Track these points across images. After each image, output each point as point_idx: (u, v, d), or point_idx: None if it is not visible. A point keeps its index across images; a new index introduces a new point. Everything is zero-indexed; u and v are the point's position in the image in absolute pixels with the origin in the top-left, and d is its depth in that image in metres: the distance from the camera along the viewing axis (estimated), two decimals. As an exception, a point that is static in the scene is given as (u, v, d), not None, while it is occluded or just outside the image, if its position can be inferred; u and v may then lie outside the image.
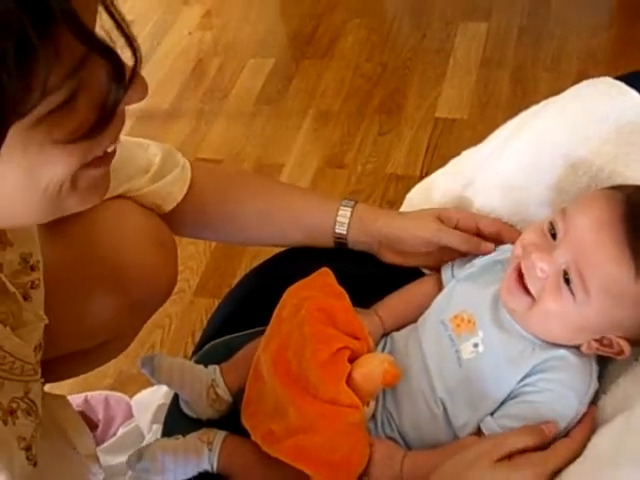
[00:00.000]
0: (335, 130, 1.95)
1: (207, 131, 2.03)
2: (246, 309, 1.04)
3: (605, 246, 0.72)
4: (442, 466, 0.74)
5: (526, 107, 2.01)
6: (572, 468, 0.72)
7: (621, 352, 0.76)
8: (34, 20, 0.40)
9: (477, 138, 1.92)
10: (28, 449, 0.64)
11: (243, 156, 1.93)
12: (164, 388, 1.26)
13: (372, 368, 0.80)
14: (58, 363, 0.84)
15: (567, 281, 0.74)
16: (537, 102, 2.05)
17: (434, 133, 1.90)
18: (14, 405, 0.64)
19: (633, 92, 0.88)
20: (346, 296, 0.88)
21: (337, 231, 0.97)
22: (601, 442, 0.73)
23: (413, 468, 0.77)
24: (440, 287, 0.93)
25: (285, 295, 0.89)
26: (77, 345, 0.91)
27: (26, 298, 0.71)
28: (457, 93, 2.00)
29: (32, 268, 0.72)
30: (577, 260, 0.73)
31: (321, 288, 0.88)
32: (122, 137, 1.00)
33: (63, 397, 0.88)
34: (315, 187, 1.81)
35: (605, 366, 0.82)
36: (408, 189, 1.79)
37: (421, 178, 1.82)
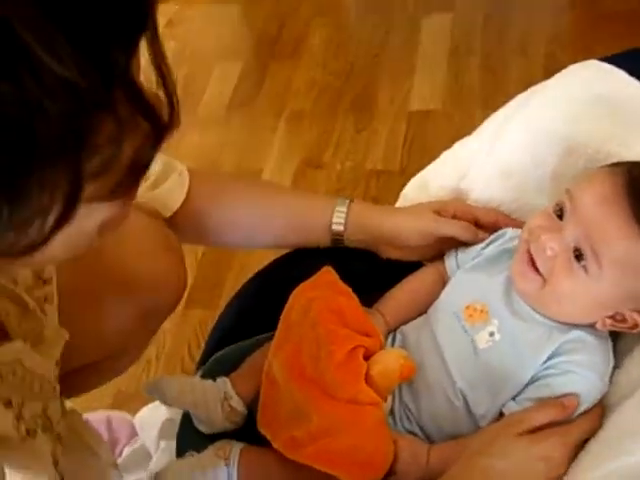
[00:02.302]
0: (310, 130, 1.95)
1: (181, 141, 2.01)
2: (248, 317, 1.03)
3: (612, 219, 0.74)
4: (468, 447, 0.75)
5: (499, 93, 2.04)
6: (595, 439, 0.74)
7: (635, 326, 0.77)
8: (96, 85, 0.38)
9: (454, 128, 1.94)
10: (56, 464, 0.64)
11: (220, 164, 1.91)
12: (167, 403, 1.25)
13: (388, 364, 0.80)
14: (71, 377, 0.83)
15: (577, 258, 0.75)
16: (509, 88, 2.08)
17: (410, 126, 1.91)
18: (34, 423, 0.63)
19: (621, 72, 0.89)
20: (352, 294, 0.88)
21: (334, 229, 0.97)
22: (624, 414, 0.74)
23: (439, 461, 0.77)
24: (442, 277, 0.93)
25: (291, 298, 0.88)
26: (92, 357, 0.89)
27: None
28: (429, 85, 2.01)
29: (45, 282, 0.71)
30: (587, 235, 0.74)
31: (327, 287, 0.88)
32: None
33: (76, 411, 0.87)
34: (296, 189, 1.80)
35: (617, 340, 0.82)
36: (389, 184, 1.81)
37: (401, 172, 1.84)
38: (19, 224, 0.40)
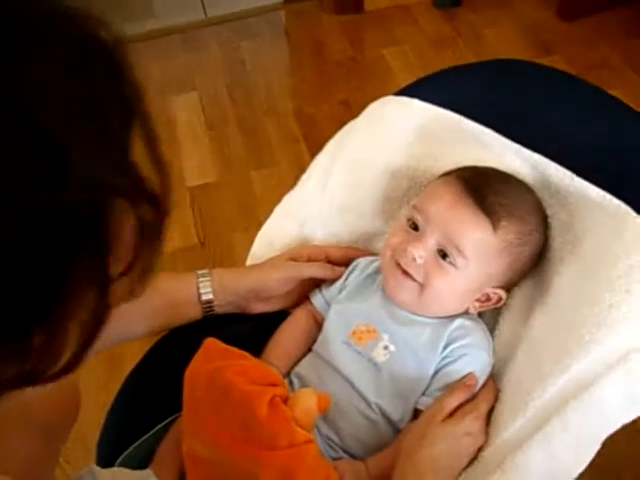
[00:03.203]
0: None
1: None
2: (137, 412, 1.02)
3: (463, 216, 0.86)
4: (401, 449, 0.82)
5: (264, 152, 2.17)
6: (498, 404, 0.85)
7: (499, 300, 0.90)
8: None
9: (235, 193, 2.03)
10: None
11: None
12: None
13: (305, 403, 0.85)
14: None
15: (443, 257, 0.86)
16: (271, 145, 2.22)
17: (194, 201, 1.97)
18: None
19: (415, 101, 1.02)
20: (245, 353, 0.91)
21: (204, 299, 0.99)
22: (510, 373, 0.87)
23: (379, 471, 0.84)
24: (314, 316, 1.00)
25: (187, 378, 0.89)
26: None
27: None
28: (197, 160, 2.08)
29: None
30: (446, 235, 0.86)
31: (220, 356, 0.90)
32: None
33: None
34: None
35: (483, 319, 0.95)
36: (194, 259, 1.85)
37: (202, 245, 1.89)
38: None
